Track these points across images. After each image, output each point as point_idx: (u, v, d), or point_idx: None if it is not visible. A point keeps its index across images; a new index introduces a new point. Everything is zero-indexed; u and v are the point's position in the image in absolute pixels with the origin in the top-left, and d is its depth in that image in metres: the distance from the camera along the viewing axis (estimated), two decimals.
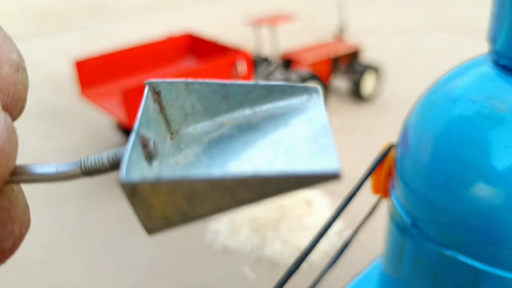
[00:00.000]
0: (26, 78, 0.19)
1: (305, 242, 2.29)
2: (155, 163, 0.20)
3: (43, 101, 4.37)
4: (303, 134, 0.21)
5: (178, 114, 0.23)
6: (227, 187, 0.17)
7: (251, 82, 0.22)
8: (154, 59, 3.83)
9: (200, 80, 0.22)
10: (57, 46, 6.02)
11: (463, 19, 6.25)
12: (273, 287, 0.63)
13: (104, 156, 0.19)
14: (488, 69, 0.60)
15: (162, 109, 0.22)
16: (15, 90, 0.18)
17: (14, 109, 0.18)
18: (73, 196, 2.96)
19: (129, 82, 3.40)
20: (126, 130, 3.43)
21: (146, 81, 0.22)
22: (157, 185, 0.17)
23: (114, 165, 0.19)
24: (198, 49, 3.94)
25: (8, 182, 0.18)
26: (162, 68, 3.83)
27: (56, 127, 3.89)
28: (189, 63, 3.93)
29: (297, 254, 2.23)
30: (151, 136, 0.20)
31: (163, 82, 0.22)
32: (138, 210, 0.18)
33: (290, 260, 2.25)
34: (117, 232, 2.65)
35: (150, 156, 0.19)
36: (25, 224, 0.19)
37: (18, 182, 0.19)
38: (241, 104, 0.23)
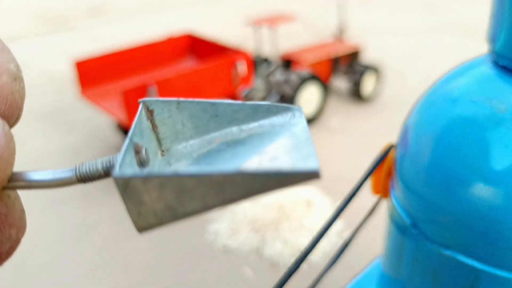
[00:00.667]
0: (23, 88, 0.19)
1: (305, 242, 2.30)
2: (146, 170, 0.21)
3: (43, 101, 4.37)
4: (286, 146, 0.22)
5: (169, 132, 0.24)
6: (215, 183, 0.18)
7: (238, 102, 0.24)
8: (154, 59, 3.83)
9: (191, 99, 0.24)
10: (57, 46, 6.02)
11: (463, 19, 6.25)
12: (273, 287, 0.63)
13: (98, 163, 0.20)
14: (487, 69, 0.60)
15: (154, 127, 0.23)
16: (12, 99, 0.18)
17: (11, 117, 0.19)
18: (73, 197, 2.97)
19: (129, 82, 3.41)
20: (126, 130, 3.43)
21: (140, 100, 0.23)
22: (148, 180, 0.18)
23: (108, 172, 0.20)
24: (198, 49, 3.94)
25: (5, 187, 0.19)
26: (162, 68, 3.84)
27: (56, 127, 3.89)
28: (189, 63, 3.93)
29: (297, 254, 2.24)
30: (144, 144, 0.21)
31: (156, 101, 0.23)
32: (129, 206, 0.19)
33: (290, 260, 2.25)
34: (117, 232, 2.65)
35: (142, 163, 0.20)
36: (21, 229, 0.20)
37: (15, 188, 0.19)
38: (229, 123, 0.24)
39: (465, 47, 4.36)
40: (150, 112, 0.23)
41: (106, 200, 2.91)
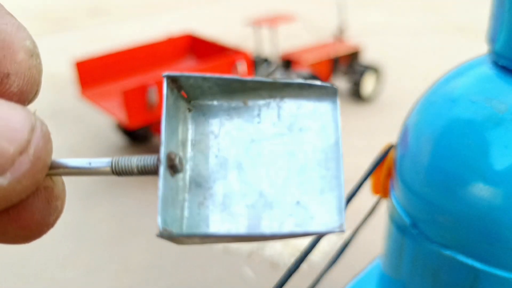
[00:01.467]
0: (40, 63, 0.20)
1: (305, 242, 2.29)
2: (180, 175, 0.22)
3: (43, 101, 4.37)
4: (315, 151, 0.22)
5: (195, 90, 0.23)
6: (248, 239, 0.21)
7: (269, 79, 0.23)
8: (154, 60, 3.83)
9: (217, 75, 0.23)
10: (57, 46, 6.02)
11: (463, 19, 6.25)
12: (273, 287, 0.63)
13: (133, 161, 0.21)
14: (487, 69, 0.61)
15: (179, 89, 0.23)
16: (30, 74, 0.20)
17: (30, 92, 0.20)
18: (74, 196, 2.97)
19: (129, 82, 3.41)
20: (126, 130, 3.43)
21: (164, 74, 0.22)
22: (190, 237, 0.21)
23: (141, 172, 0.21)
24: (198, 49, 3.94)
25: (47, 174, 0.20)
26: (162, 69, 3.84)
27: (56, 127, 3.89)
28: (189, 63, 3.93)
29: (297, 254, 2.24)
30: (176, 152, 0.22)
31: (181, 76, 0.22)
32: (173, 243, 0.21)
33: (290, 260, 2.25)
34: (117, 232, 2.65)
35: (175, 171, 0.21)
36: (64, 200, 0.22)
37: (56, 174, 0.21)
38: (258, 90, 0.23)
39: (465, 47, 4.36)
40: (174, 82, 0.22)
41: (106, 200, 2.91)
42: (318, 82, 0.23)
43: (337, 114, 0.23)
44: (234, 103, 0.23)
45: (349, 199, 0.71)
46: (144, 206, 2.80)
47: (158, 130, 3.35)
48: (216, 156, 0.23)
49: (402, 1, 7.46)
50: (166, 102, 0.21)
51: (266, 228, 0.21)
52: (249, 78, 0.23)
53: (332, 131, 0.22)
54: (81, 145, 3.61)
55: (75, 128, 3.90)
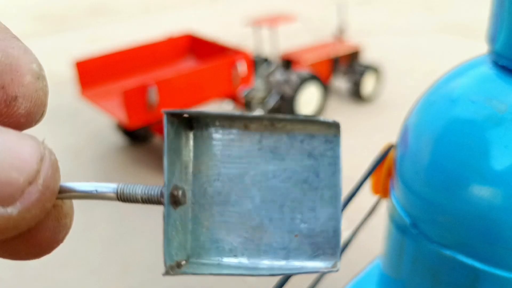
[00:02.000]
0: (46, 85, 0.21)
1: None
2: (182, 206, 0.22)
3: None
4: (314, 187, 0.22)
5: (197, 114, 0.24)
6: (246, 275, 0.22)
7: (271, 115, 0.23)
8: (154, 60, 3.83)
9: (218, 112, 0.23)
10: (57, 46, 6.02)
11: (463, 20, 6.25)
12: (273, 287, 0.63)
13: (138, 191, 0.22)
14: (487, 69, 0.61)
15: (179, 116, 0.23)
16: (36, 97, 0.20)
17: (37, 113, 0.21)
18: None
19: (129, 82, 3.40)
20: (126, 130, 3.43)
21: (164, 110, 0.22)
22: (195, 274, 0.22)
23: (145, 201, 0.22)
24: (198, 50, 3.94)
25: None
26: (162, 68, 3.84)
27: (56, 127, 3.89)
28: (189, 63, 3.93)
29: None
30: (179, 185, 0.22)
31: (181, 112, 0.23)
32: None
33: None
34: (117, 233, 2.65)
35: (178, 204, 0.22)
36: (72, 217, 0.22)
37: (62, 198, 0.21)
38: (261, 119, 0.23)
39: (465, 47, 4.36)
40: (175, 116, 0.23)
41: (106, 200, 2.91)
42: (321, 118, 0.22)
43: (338, 149, 0.23)
44: (235, 127, 0.23)
45: (349, 199, 0.71)
46: (144, 206, 2.80)
47: (158, 130, 3.35)
48: (218, 180, 0.23)
49: (402, 1, 7.46)
50: (167, 137, 0.22)
51: (264, 261, 0.22)
52: (250, 114, 0.23)
53: (332, 167, 0.23)
54: (81, 145, 3.61)
55: (75, 128, 3.89)
